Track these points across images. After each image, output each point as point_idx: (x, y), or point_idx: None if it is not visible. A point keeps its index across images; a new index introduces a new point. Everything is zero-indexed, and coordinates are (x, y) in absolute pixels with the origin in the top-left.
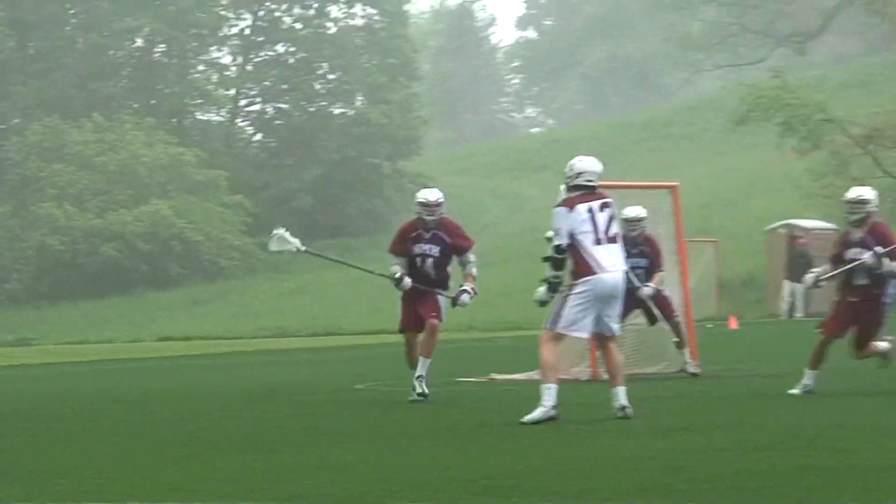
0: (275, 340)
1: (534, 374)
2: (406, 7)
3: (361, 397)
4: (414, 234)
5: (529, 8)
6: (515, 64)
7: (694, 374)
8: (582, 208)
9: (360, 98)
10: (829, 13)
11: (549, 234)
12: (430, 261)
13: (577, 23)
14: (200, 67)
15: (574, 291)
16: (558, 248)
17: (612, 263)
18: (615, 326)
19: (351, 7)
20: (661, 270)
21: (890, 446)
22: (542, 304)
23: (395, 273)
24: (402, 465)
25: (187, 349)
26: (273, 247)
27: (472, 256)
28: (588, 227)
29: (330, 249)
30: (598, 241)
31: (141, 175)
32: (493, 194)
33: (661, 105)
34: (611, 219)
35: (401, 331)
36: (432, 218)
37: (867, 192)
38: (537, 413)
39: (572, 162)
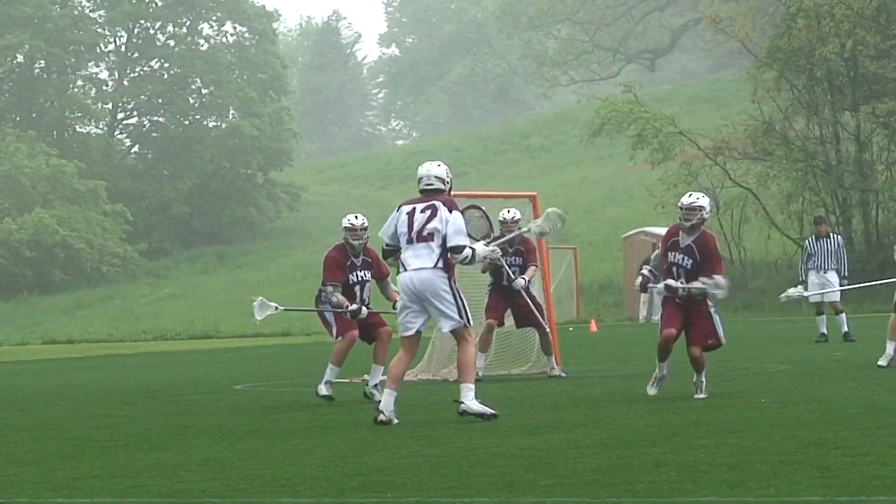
0: (155, 343)
1: (409, 374)
2: (275, 25)
3: (240, 397)
4: (348, 264)
5: (392, 26)
6: (380, 79)
7: (558, 377)
8: (405, 209)
9: (232, 111)
10: (678, 32)
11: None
12: (367, 286)
13: (438, 40)
14: (79, 83)
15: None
16: (383, 249)
17: (416, 264)
18: (445, 323)
19: (222, 25)
20: (535, 265)
21: (744, 444)
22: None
23: (347, 306)
24: (280, 462)
25: (72, 352)
26: (258, 316)
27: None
28: (404, 228)
29: (206, 256)
30: (409, 241)
31: (24, 185)
32: (360, 203)
33: (519, 118)
34: (428, 220)
35: (339, 336)
36: (359, 242)
37: (702, 199)
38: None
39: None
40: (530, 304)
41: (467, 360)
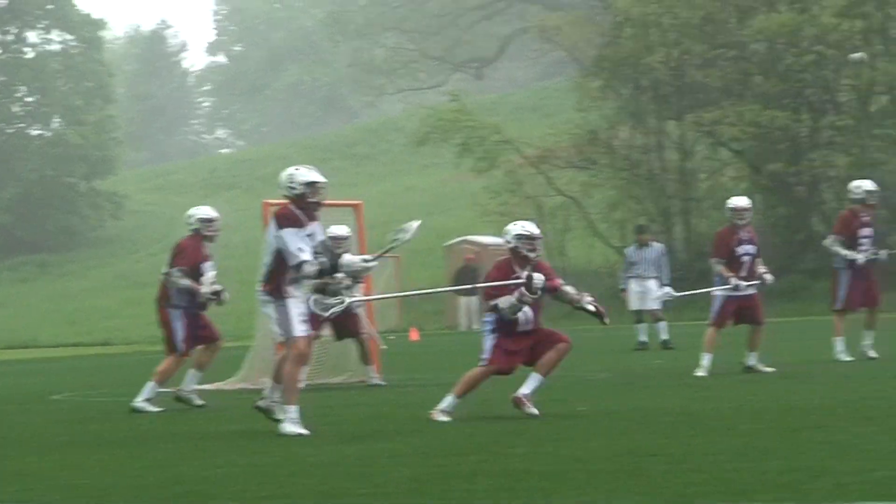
0: None
1: (222, 384)
2: (101, 33)
3: (58, 407)
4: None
5: (220, 34)
6: (207, 87)
7: (377, 385)
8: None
9: (57, 120)
10: (505, 40)
11: None
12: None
13: (266, 48)
14: None
15: None
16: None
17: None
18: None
19: (48, 33)
20: (362, 283)
21: (561, 452)
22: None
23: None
24: (96, 473)
25: None
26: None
27: None
28: None
29: (28, 265)
30: None
31: None
32: (184, 212)
33: (345, 127)
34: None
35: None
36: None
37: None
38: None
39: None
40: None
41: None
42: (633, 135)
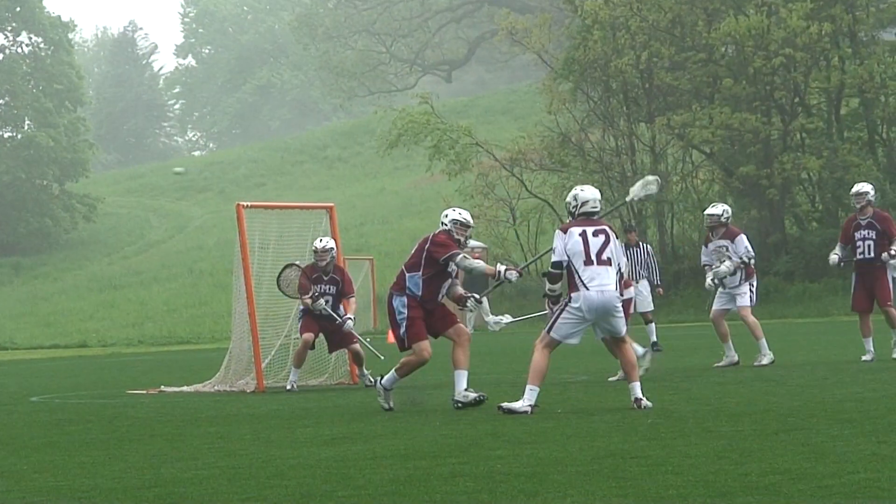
0: None
1: (200, 387)
2: (70, 35)
3: (36, 409)
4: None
5: (188, 36)
6: (177, 90)
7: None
8: (576, 231)
9: (27, 122)
10: (474, 43)
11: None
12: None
13: (235, 51)
14: None
15: (571, 305)
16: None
17: (599, 283)
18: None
19: (17, 35)
20: (352, 296)
21: (540, 454)
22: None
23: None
24: (75, 474)
25: None
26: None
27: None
28: (580, 248)
29: (2, 267)
30: (588, 262)
31: None
32: (157, 214)
33: (317, 129)
34: (605, 244)
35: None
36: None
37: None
38: (517, 404)
39: (575, 192)
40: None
41: (633, 359)
42: (604, 137)
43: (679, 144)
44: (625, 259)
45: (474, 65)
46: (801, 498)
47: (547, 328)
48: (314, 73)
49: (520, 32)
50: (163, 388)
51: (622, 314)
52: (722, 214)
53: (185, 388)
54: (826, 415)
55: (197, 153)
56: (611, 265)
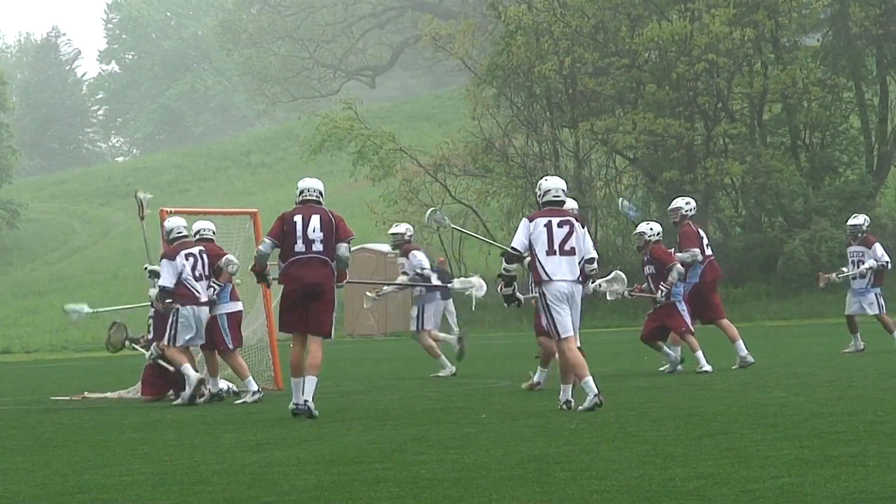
0: None
1: (124, 393)
2: None
3: None
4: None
5: (111, 42)
6: (100, 95)
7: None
8: (541, 221)
9: None
10: (398, 49)
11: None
12: None
13: (158, 56)
14: None
15: (547, 300)
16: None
17: (561, 275)
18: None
19: None
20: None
21: (465, 459)
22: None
23: None
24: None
25: None
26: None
27: None
28: (544, 237)
29: None
30: (552, 253)
31: None
32: (81, 220)
33: (240, 135)
34: (569, 234)
35: None
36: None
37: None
38: (586, 403)
39: (540, 182)
40: None
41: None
42: (528, 143)
43: (603, 150)
44: (592, 247)
45: (398, 70)
46: (724, 502)
47: (555, 336)
48: (238, 78)
49: (444, 38)
50: (86, 394)
51: (579, 308)
52: (863, 224)
53: (108, 395)
54: (750, 419)
55: (120, 159)
56: (574, 255)
